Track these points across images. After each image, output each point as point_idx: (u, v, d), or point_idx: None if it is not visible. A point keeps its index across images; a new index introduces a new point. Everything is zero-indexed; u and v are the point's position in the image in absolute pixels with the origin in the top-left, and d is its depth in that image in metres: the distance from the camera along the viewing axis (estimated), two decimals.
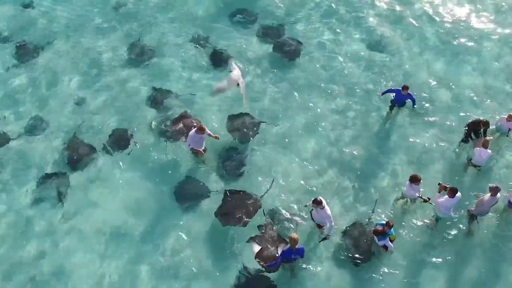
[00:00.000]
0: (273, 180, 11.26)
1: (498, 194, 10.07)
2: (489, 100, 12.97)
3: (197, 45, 14.26)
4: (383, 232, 9.68)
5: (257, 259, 9.76)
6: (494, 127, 11.85)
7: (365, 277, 9.97)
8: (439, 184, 10.18)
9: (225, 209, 10.48)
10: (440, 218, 10.39)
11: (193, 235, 10.54)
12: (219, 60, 13.80)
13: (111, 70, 13.72)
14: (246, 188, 11.00)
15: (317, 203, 9.46)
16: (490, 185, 10.17)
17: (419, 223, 10.67)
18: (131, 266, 10.17)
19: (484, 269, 10.14)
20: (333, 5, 15.43)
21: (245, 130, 12.01)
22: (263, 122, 12.34)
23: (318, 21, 15.04)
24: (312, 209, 9.95)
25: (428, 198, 10.25)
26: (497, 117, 12.22)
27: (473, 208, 10.46)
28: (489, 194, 10.10)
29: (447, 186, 10.00)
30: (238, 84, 12.14)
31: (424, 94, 13.05)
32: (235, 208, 10.49)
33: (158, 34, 14.62)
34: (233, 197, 10.68)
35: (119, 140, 12.06)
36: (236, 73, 12.28)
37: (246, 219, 10.33)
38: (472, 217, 10.55)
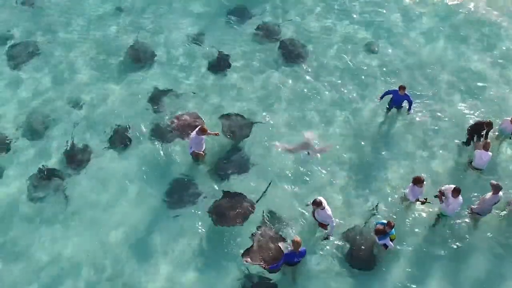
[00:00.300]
0: (271, 181, 11.23)
1: (500, 193, 10.03)
2: (493, 100, 12.82)
3: (198, 43, 14.22)
4: (384, 231, 9.66)
5: (255, 261, 9.63)
6: (497, 133, 11.74)
7: (366, 277, 9.97)
8: (435, 196, 10.20)
9: (222, 210, 10.46)
10: (444, 216, 10.37)
11: (192, 236, 10.55)
12: (219, 59, 13.75)
13: (110, 69, 13.69)
14: (245, 188, 10.99)
15: (317, 204, 9.42)
16: (492, 182, 10.13)
17: (420, 222, 10.64)
18: (130, 266, 10.20)
19: (485, 269, 10.14)
20: (337, 2, 15.30)
21: (240, 129, 11.99)
22: (258, 122, 12.30)
23: (320, 19, 14.90)
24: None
25: (425, 198, 10.25)
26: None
27: (475, 206, 10.44)
28: (490, 193, 10.06)
29: (443, 190, 10.02)
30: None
31: (426, 93, 12.96)
32: (232, 208, 10.46)
33: (159, 33, 14.55)
34: (230, 198, 10.64)
35: (119, 140, 12.07)
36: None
37: (243, 219, 10.33)
38: (473, 215, 10.53)
